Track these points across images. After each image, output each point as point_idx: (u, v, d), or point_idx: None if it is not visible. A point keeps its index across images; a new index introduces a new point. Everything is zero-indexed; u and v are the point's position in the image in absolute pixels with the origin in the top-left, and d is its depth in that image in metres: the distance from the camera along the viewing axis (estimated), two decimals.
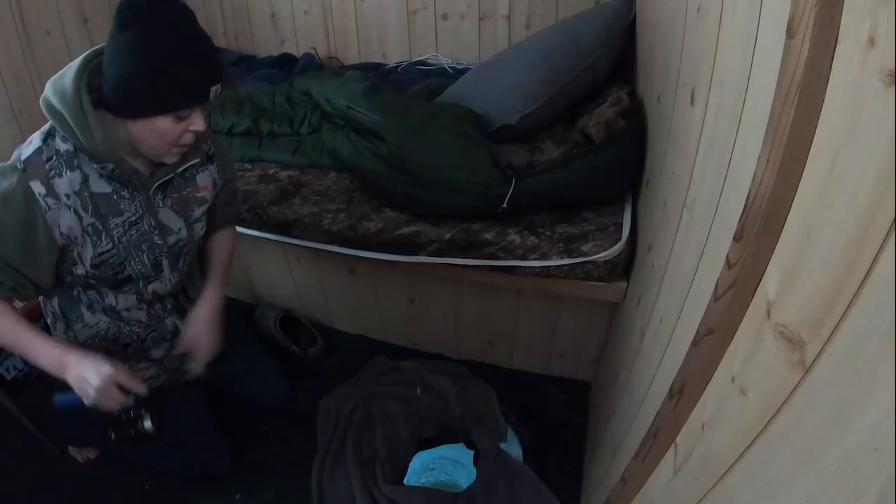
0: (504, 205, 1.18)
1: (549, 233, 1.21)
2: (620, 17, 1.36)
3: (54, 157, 0.89)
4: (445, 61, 1.89)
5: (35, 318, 1.66)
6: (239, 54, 2.15)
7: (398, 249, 1.30)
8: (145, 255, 1.04)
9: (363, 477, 1.32)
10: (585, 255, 1.18)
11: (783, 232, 0.47)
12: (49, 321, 1.12)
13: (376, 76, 1.85)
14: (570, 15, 1.48)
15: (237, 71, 2.03)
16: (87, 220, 0.94)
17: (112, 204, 0.96)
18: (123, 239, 0.99)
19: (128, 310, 1.10)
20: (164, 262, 1.08)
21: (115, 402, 0.93)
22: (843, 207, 0.38)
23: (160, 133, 0.90)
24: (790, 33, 0.44)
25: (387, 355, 1.63)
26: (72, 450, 1.44)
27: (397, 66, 1.93)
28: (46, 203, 0.89)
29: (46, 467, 1.43)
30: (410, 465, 1.37)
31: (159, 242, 1.05)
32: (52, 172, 0.89)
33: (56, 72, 0.93)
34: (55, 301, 1.09)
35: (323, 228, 1.35)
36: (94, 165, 0.91)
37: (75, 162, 0.91)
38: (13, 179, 0.87)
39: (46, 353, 0.94)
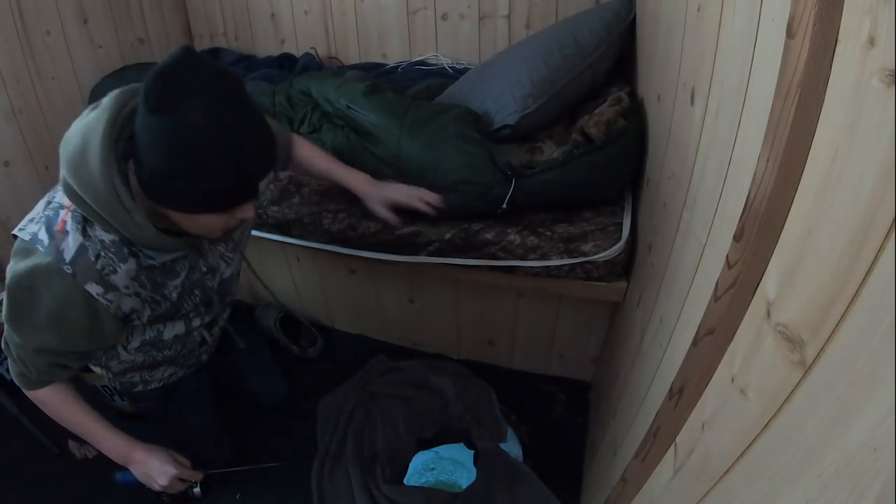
0: (504, 205, 1.18)
1: (548, 233, 1.21)
2: (620, 17, 1.36)
3: (103, 254, 0.81)
4: (445, 61, 1.89)
5: None
6: (239, 54, 2.14)
7: (398, 249, 1.30)
8: (198, 297, 1.02)
9: (363, 477, 1.32)
10: (585, 255, 1.18)
11: (783, 232, 0.47)
12: None
13: (376, 76, 1.85)
14: (570, 15, 1.47)
15: (237, 71, 2.03)
16: (146, 294, 0.91)
17: (167, 270, 0.92)
18: (181, 294, 0.97)
19: (175, 338, 1.08)
20: (215, 298, 1.06)
21: (176, 490, 1.03)
22: (843, 207, 0.38)
23: (204, 225, 0.83)
24: (790, 33, 0.44)
25: (387, 355, 1.63)
26: (71, 445, 1.44)
27: (397, 66, 1.92)
28: (107, 300, 0.84)
29: (46, 467, 1.43)
30: (410, 465, 1.37)
31: (211, 284, 1.03)
32: (106, 270, 0.81)
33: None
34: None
35: (323, 228, 1.35)
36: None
37: (125, 251, 0.83)
38: (64, 284, 0.80)
39: (111, 443, 0.98)
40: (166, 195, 0.76)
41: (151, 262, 0.88)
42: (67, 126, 0.79)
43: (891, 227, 0.32)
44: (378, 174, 1.30)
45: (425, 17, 1.87)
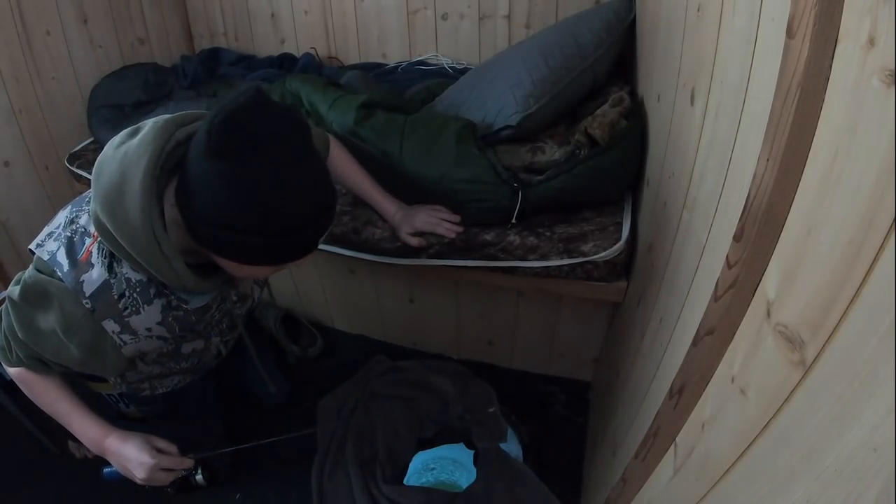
0: (513, 220, 1.19)
1: (548, 233, 1.21)
2: (620, 17, 1.36)
3: (127, 294, 0.76)
4: (445, 61, 1.89)
5: None
6: (239, 54, 2.14)
7: (399, 253, 1.30)
8: (224, 324, 1.00)
9: (363, 477, 1.32)
10: (585, 255, 1.17)
11: (783, 232, 0.47)
12: None
13: (376, 76, 1.85)
14: (570, 15, 1.47)
15: (237, 71, 2.03)
16: (175, 335, 0.87)
17: (199, 308, 0.87)
18: (209, 324, 0.94)
19: (193, 351, 1.06)
20: (240, 322, 1.04)
21: (162, 482, 0.91)
22: (843, 207, 0.38)
23: (253, 272, 0.77)
24: (790, 33, 0.44)
25: (387, 355, 1.63)
26: (71, 445, 1.44)
27: (397, 66, 1.92)
28: (121, 339, 0.79)
29: (46, 467, 1.43)
30: (410, 465, 1.37)
31: (238, 312, 1.00)
32: (128, 311, 0.77)
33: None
34: None
35: None
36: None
37: (152, 292, 0.78)
38: (78, 312, 0.75)
39: (84, 429, 0.90)
40: (221, 244, 0.70)
41: (185, 305, 0.83)
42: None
43: (891, 227, 0.32)
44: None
45: (425, 17, 1.87)
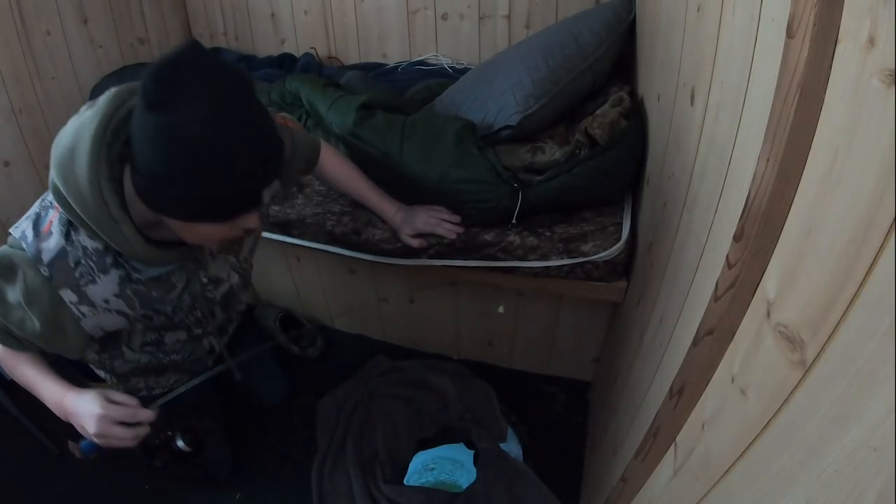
0: (513, 220, 1.19)
1: (548, 233, 1.21)
2: (620, 17, 1.36)
3: (83, 261, 0.77)
4: (445, 61, 1.89)
5: None
6: (239, 54, 2.14)
7: (399, 253, 1.30)
8: (198, 310, 0.97)
9: (363, 477, 1.32)
10: (585, 255, 1.18)
11: (783, 232, 0.47)
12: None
13: (376, 76, 1.85)
14: (571, 15, 1.47)
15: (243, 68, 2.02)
16: (136, 313, 0.85)
17: (162, 283, 0.86)
18: (177, 307, 0.92)
19: (176, 342, 1.06)
20: (218, 310, 1.02)
21: (123, 440, 0.81)
22: (843, 207, 0.38)
23: (202, 235, 0.77)
24: (790, 33, 0.44)
25: (387, 355, 1.63)
26: (71, 445, 1.44)
27: (397, 66, 1.92)
28: (80, 311, 0.79)
29: (46, 467, 1.43)
30: (410, 465, 1.37)
31: (213, 296, 0.98)
32: (84, 279, 0.77)
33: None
34: (95, 342, 1.02)
35: (325, 230, 1.35)
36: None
37: (108, 261, 0.79)
38: (37, 280, 0.77)
39: (48, 393, 0.86)
40: (162, 201, 0.71)
41: (138, 275, 0.82)
42: None
43: (891, 227, 0.32)
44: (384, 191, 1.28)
45: (425, 17, 1.87)
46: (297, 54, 2.08)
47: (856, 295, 0.35)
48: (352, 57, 2.06)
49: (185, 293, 0.92)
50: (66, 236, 0.76)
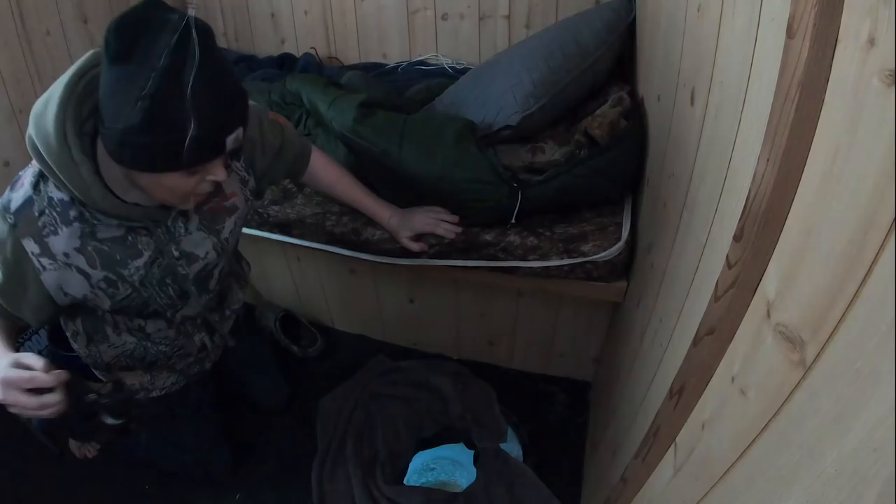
0: (513, 220, 1.19)
1: (548, 233, 1.21)
2: (620, 17, 1.36)
3: (47, 212, 0.78)
4: (445, 61, 1.89)
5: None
6: (239, 54, 2.14)
7: (399, 253, 1.30)
8: (170, 287, 0.94)
9: (363, 477, 1.32)
10: (585, 255, 1.17)
11: (783, 232, 0.47)
12: (69, 334, 1.06)
13: (376, 76, 1.85)
14: (571, 15, 1.47)
15: (237, 71, 2.02)
16: (97, 275, 0.84)
17: (127, 247, 0.85)
18: (145, 280, 0.89)
19: (158, 331, 1.04)
20: (192, 289, 0.99)
21: (32, 408, 0.74)
22: (843, 207, 0.38)
23: (170, 188, 0.77)
24: (790, 33, 0.44)
25: (387, 355, 1.63)
26: (72, 444, 1.44)
27: (397, 66, 1.92)
28: (41, 263, 0.79)
29: (46, 467, 1.43)
30: (410, 465, 1.37)
31: (184, 273, 0.95)
32: (46, 230, 0.78)
33: (56, 72, 0.84)
34: (79, 321, 1.01)
35: (325, 230, 1.35)
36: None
37: (72, 214, 0.79)
38: (3, 230, 0.78)
39: None
40: (128, 153, 0.72)
41: (102, 234, 0.82)
42: None
43: (891, 227, 0.32)
44: (385, 197, 1.27)
45: (425, 17, 1.87)
46: (297, 54, 2.07)
47: (856, 295, 0.35)
48: (352, 57, 2.06)
49: (155, 266, 0.90)
50: (35, 186, 0.78)
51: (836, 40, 0.39)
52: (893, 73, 0.32)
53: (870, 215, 0.34)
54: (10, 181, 0.84)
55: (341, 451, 1.40)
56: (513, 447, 1.37)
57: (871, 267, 0.34)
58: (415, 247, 1.19)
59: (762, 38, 0.54)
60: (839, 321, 0.37)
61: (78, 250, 0.81)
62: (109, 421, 0.85)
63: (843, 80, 0.39)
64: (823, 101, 0.41)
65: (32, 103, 0.77)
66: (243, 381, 1.41)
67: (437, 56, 1.92)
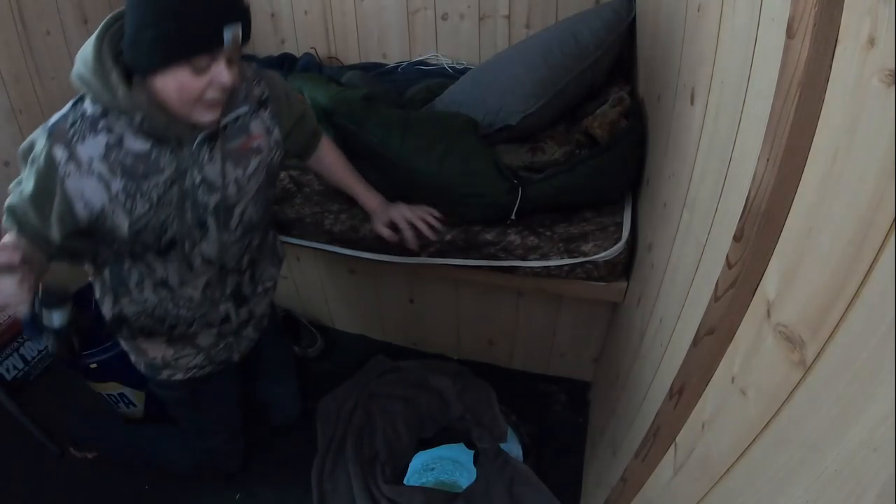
0: (513, 216, 1.19)
1: (548, 233, 1.21)
2: (620, 16, 1.36)
3: (79, 121, 0.86)
4: (445, 61, 1.89)
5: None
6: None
7: (399, 251, 1.30)
8: (188, 213, 0.96)
9: (363, 477, 1.32)
10: (585, 255, 1.18)
11: (783, 232, 0.47)
12: (97, 296, 1.08)
13: (376, 76, 1.85)
14: (571, 15, 1.47)
15: None
16: (117, 185, 0.88)
17: (150, 162, 0.90)
18: (163, 199, 0.93)
19: (181, 285, 1.04)
20: (210, 221, 1.00)
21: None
22: (843, 207, 0.38)
23: (180, 88, 0.82)
24: (790, 33, 0.44)
25: (387, 355, 1.63)
26: (72, 449, 1.44)
27: (397, 66, 1.92)
28: (67, 170, 0.85)
29: (46, 467, 1.43)
30: (410, 465, 1.37)
31: (203, 201, 0.97)
32: (76, 137, 0.85)
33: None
34: (106, 274, 1.04)
35: (324, 228, 1.35)
36: (126, 120, 0.86)
37: (100, 124, 0.86)
38: (42, 143, 0.85)
39: None
40: (137, 52, 0.80)
41: (127, 146, 0.88)
42: None
43: (891, 227, 0.32)
44: (382, 187, 1.27)
45: (425, 17, 1.87)
46: (297, 54, 2.07)
47: (856, 295, 0.35)
48: (352, 57, 2.06)
49: (175, 187, 0.93)
50: (73, 105, 0.87)
51: (836, 40, 0.39)
52: (893, 73, 0.32)
53: (870, 215, 0.34)
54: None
55: (341, 451, 1.40)
56: (513, 447, 1.37)
57: (871, 267, 0.34)
58: (384, 232, 1.18)
59: (762, 38, 0.54)
60: (839, 321, 0.37)
61: (103, 158, 0.87)
62: (51, 320, 0.87)
63: (843, 80, 0.39)
64: (823, 101, 0.41)
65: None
66: (262, 388, 1.39)
67: (437, 56, 1.92)
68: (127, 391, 1.43)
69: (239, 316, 1.15)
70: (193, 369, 1.14)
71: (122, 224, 0.91)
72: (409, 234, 1.15)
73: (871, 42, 0.35)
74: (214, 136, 0.94)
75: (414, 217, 1.15)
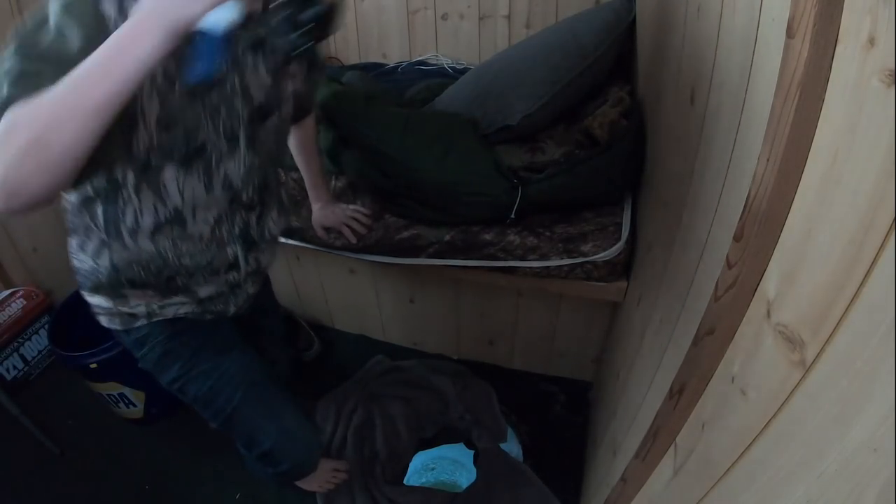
0: (512, 215, 1.19)
1: (548, 233, 1.21)
2: (620, 16, 1.36)
3: None
4: (445, 61, 1.89)
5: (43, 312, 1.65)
6: None
7: (398, 252, 1.30)
8: (222, 121, 0.90)
9: (363, 477, 1.32)
10: (585, 255, 1.18)
11: (783, 232, 0.47)
12: (77, 241, 0.94)
13: (376, 76, 1.85)
14: (571, 15, 1.47)
15: None
16: (159, 65, 0.77)
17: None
18: (198, 95, 0.86)
19: (193, 216, 0.93)
20: (242, 135, 0.93)
21: None
22: (843, 207, 0.38)
23: None
24: (790, 33, 0.44)
25: (387, 355, 1.63)
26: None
27: (397, 66, 1.92)
28: (116, 25, 0.74)
29: (46, 467, 1.43)
30: (410, 464, 1.37)
31: (239, 109, 0.91)
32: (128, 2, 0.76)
33: None
34: (98, 211, 0.90)
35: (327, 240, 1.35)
36: None
37: None
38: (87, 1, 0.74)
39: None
40: None
41: None
42: None
43: (891, 227, 0.32)
44: (381, 187, 1.29)
45: (425, 17, 1.87)
46: None
47: (856, 295, 0.35)
48: (352, 57, 2.06)
49: (215, 88, 0.87)
50: None
51: (836, 40, 0.39)
52: (893, 73, 0.32)
53: (870, 215, 0.34)
54: None
55: (341, 451, 1.40)
56: (513, 447, 1.37)
57: (870, 267, 0.34)
58: (320, 233, 1.33)
59: (762, 38, 0.54)
60: (839, 321, 0.37)
61: None
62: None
63: (843, 80, 0.39)
64: (823, 101, 0.41)
65: None
66: (262, 352, 1.21)
67: (437, 56, 1.92)
68: (127, 391, 1.43)
69: (248, 264, 1.03)
70: (180, 315, 1.01)
71: (152, 112, 0.82)
72: (346, 231, 1.32)
73: (871, 42, 0.35)
74: (260, 48, 0.89)
75: (347, 219, 1.32)
